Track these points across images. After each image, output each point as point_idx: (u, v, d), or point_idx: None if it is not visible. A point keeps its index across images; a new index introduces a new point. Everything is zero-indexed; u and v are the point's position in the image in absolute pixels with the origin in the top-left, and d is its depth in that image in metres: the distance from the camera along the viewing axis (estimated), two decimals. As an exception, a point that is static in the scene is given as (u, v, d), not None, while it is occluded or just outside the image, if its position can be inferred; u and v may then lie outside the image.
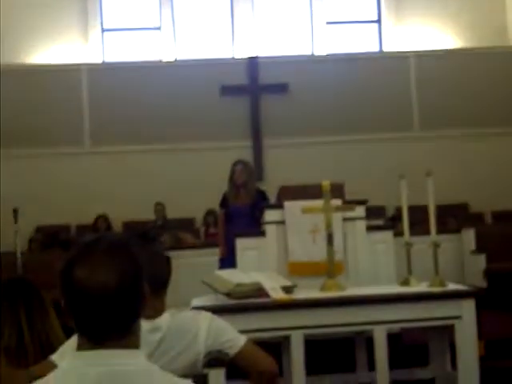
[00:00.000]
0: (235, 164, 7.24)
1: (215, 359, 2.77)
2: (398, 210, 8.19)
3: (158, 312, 2.76)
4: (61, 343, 2.60)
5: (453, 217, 10.13)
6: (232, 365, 2.84)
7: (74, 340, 2.40)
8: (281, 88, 12.25)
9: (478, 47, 12.74)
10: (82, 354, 1.62)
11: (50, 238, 10.47)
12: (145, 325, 2.66)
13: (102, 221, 10.88)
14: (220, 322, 2.85)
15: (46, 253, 9.59)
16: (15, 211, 7.98)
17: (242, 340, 2.80)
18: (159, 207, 10.83)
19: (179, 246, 8.97)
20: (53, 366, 2.00)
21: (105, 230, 10.61)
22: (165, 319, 2.75)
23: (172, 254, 6.08)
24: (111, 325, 1.61)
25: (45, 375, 1.64)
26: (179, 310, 2.94)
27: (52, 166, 11.88)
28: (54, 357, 2.49)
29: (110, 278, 1.60)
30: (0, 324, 2.73)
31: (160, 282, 2.77)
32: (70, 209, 11.54)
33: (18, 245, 7.78)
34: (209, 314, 2.87)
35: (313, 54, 13.04)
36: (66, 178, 11.83)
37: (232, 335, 2.80)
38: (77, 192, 11.72)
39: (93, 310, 1.60)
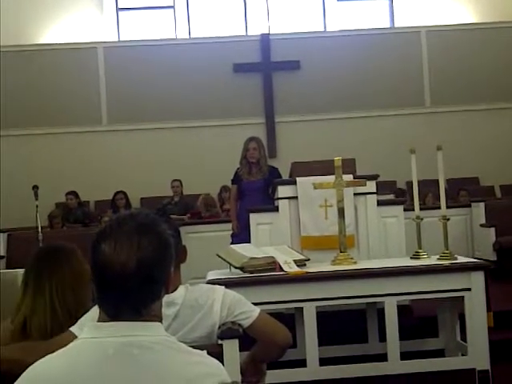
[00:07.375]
0: (249, 141, 7.20)
1: (228, 330, 2.78)
2: (409, 184, 8.25)
3: (172, 286, 2.72)
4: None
5: (464, 190, 10.15)
6: (246, 336, 2.85)
7: (92, 312, 2.45)
8: (293, 65, 12.21)
9: (489, 22, 12.59)
10: (101, 326, 1.62)
11: (69, 212, 10.61)
12: (160, 299, 2.78)
13: (121, 197, 10.95)
14: (234, 294, 2.86)
15: (68, 227, 9.73)
16: (35, 188, 8.08)
17: (256, 311, 2.82)
18: (176, 183, 10.86)
19: (196, 221, 9.08)
20: (73, 337, 1.97)
21: (124, 207, 10.72)
22: (179, 293, 2.76)
23: (187, 228, 6.18)
24: (128, 303, 1.60)
25: (65, 346, 1.64)
26: (193, 283, 2.92)
27: (70, 144, 11.97)
28: (73, 328, 2.49)
29: (131, 258, 1.58)
30: (26, 296, 2.71)
31: (175, 258, 2.83)
32: (89, 186, 11.60)
33: (39, 221, 7.86)
34: (223, 288, 2.88)
35: (325, 31, 12.96)
36: (84, 156, 11.93)
37: (246, 307, 2.82)
38: (95, 169, 11.85)
39: (111, 286, 1.59)
